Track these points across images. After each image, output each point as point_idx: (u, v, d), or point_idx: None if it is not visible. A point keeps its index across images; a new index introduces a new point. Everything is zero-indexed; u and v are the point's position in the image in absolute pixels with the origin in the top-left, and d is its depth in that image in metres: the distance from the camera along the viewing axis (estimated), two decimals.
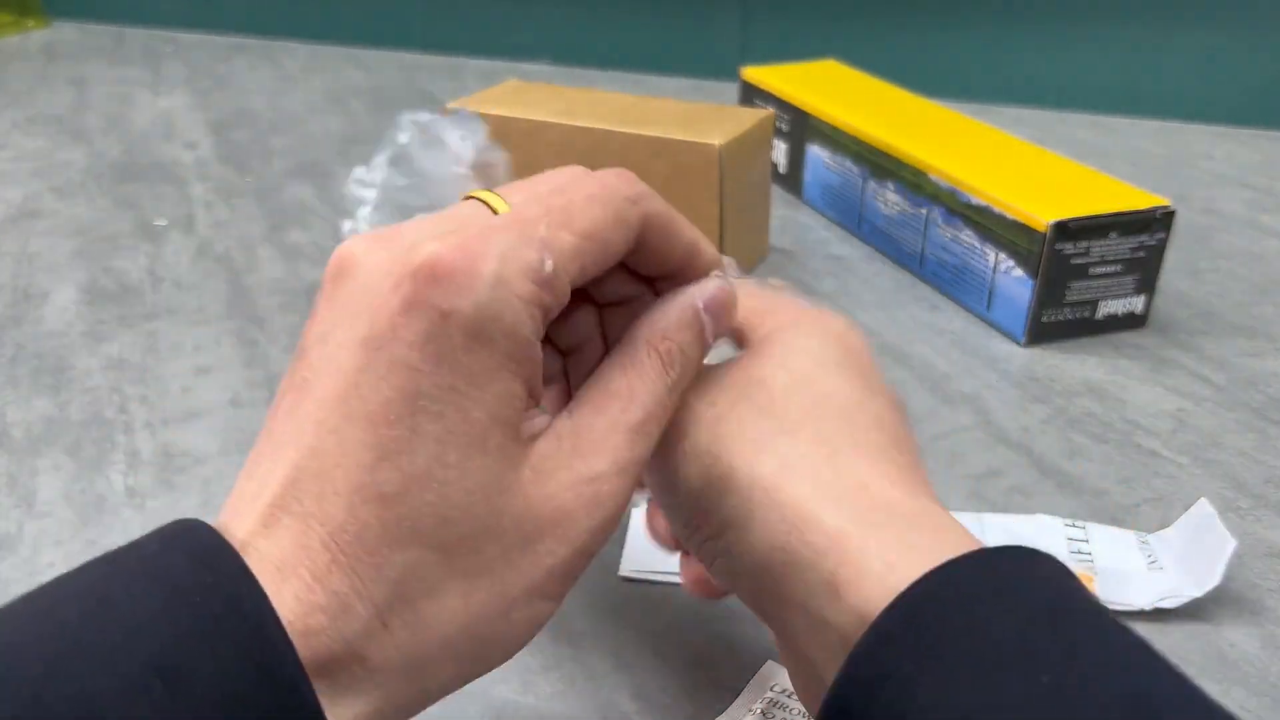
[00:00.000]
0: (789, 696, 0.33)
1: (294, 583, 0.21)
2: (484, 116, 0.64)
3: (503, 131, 0.63)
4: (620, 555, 0.41)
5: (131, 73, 1.12)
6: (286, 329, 0.58)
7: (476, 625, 0.23)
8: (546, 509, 0.23)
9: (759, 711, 0.33)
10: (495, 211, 0.25)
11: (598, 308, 0.29)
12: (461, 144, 0.47)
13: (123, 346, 0.56)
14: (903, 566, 0.22)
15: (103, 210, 0.75)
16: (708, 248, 0.28)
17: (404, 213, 0.46)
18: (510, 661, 0.35)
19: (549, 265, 0.23)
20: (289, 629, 0.20)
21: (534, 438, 0.24)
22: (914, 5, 1.05)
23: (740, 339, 0.30)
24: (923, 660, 0.20)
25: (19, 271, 0.65)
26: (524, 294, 0.23)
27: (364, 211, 0.46)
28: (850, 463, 0.25)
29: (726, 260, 0.29)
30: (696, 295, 0.27)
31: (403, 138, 0.47)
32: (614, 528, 0.25)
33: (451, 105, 0.65)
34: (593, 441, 0.24)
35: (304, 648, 0.20)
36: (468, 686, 0.34)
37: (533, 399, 0.24)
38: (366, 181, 0.47)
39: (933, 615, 0.21)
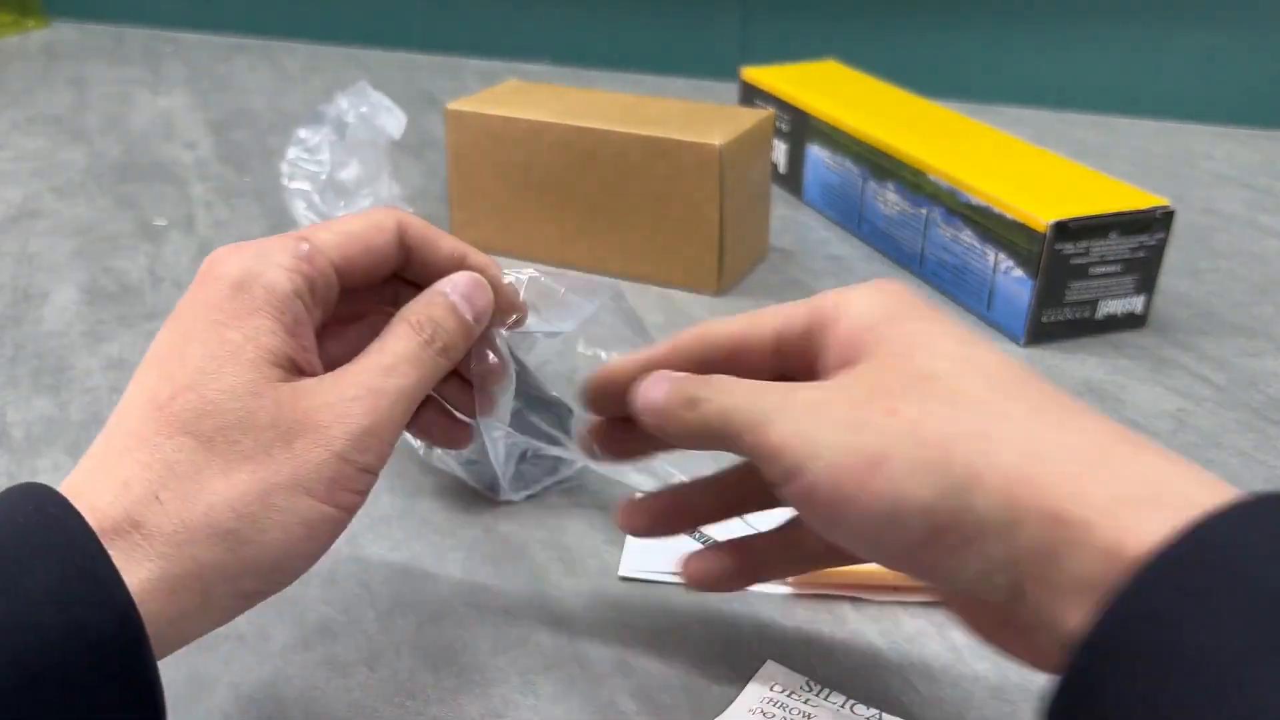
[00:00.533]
0: (789, 696, 0.33)
1: (96, 478, 0.26)
2: (485, 116, 0.64)
3: (503, 132, 0.63)
4: (620, 555, 0.41)
5: (131, 73, 1.12)
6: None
7: (238, 503, 0.27)
8: (301, 416, 0.28)
9: (759, 711, 0.33)
10: None
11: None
12: (388, 118, 0.55)
13: (123, 346, 0.56)
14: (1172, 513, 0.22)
15: (103, 210, 0.75)
16: (476, 256, 0.34)
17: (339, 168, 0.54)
18: (511, 661, 0.35)
19: (304, 247, 0.30)
20: (88, 512, 0.25)
21: (303, 376, 0.29)
22: (914, 5, 1.05)
23: (811, 364, 0.30)
24: (1188, 602, 0.20)
25: (19, 271, 0.65)
26: (283, 263, 0.29)
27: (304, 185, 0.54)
28: (1073, 425, 0.25)
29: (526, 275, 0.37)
30: (443, 281, 0.33)
31: (344, 109, 0.54)
32: (376, 445, 0.29)
33: (451, 107, 0.65)
34: (349, 377, 0.29)
35: (95, 520, 0.25)
36: (470, 685, 0.35)
37: (301, 348, 0.29)
38: (310, 145, 0.54)
39: (1197, 561, 0.21)
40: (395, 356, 0.30)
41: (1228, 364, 0.56)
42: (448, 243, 0.34)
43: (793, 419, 0.27)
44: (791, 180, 0.78)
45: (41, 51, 1.22)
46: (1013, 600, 0.24)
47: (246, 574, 0.27)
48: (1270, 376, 0.54)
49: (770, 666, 0.35)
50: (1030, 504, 0.23)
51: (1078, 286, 0.56)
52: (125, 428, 0.27)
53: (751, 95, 0.81)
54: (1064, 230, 0.54)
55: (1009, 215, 0.56)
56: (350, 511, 0.29)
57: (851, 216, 0.71)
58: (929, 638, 0.37)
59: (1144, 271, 0.57)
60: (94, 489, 0.26)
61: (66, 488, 0.26)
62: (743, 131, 0.60)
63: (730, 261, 0.62)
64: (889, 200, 0.66)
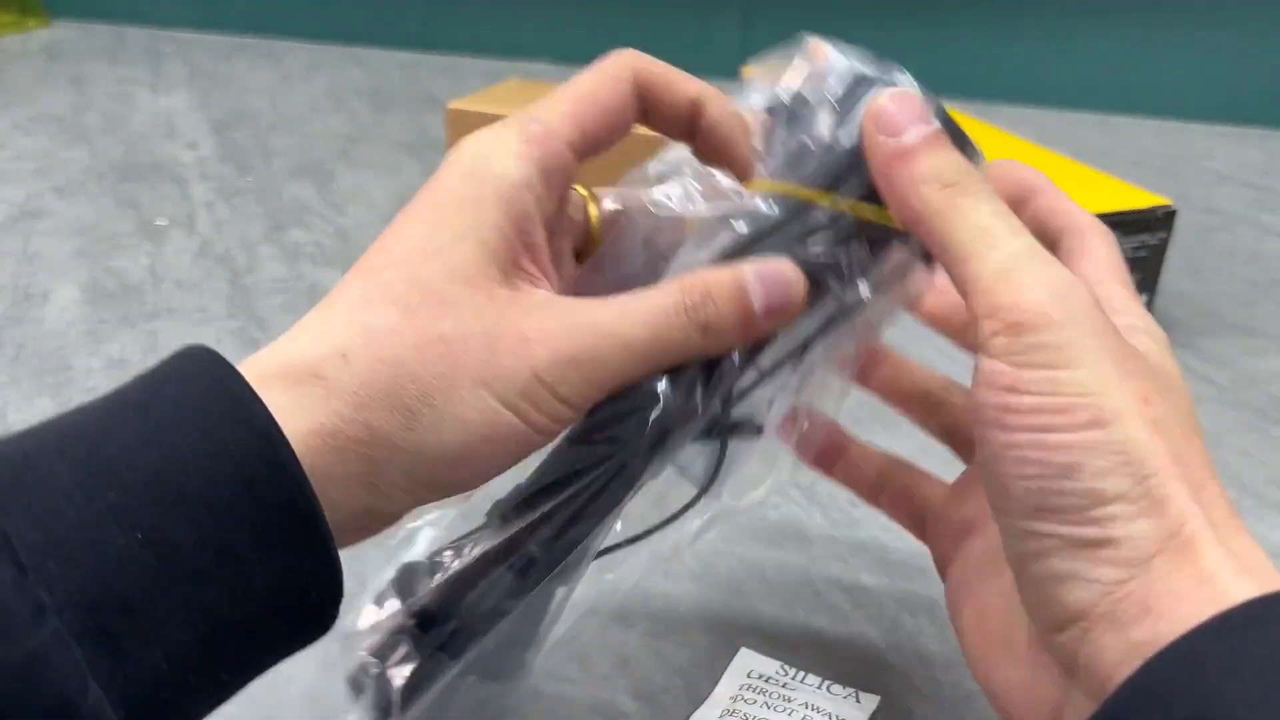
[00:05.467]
0: (765, 681, 0.34)
1: (296, 333, 0.27)
2: (486, 116, 0.64)
3: None
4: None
5: (132, 72, 1.12)
6: (288, 328, 0.58)
7: (423, 383, 0.25)
8: (510, 323, 0.27)
9: (739, 698, 0.33)
10: None
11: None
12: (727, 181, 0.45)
13: (124, 346, 0.56)
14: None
15: (104, 210, 0.75)
16: (718, 101, 0.31)
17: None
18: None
19: (533, 128, 0.29)
20: (276, 358, 0.26)
21: (528, 282, 0.28)
22: (914, 5, 1.05)
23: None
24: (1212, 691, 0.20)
25: (20, 271, 0.65)
26: (513, 149, 0.28)
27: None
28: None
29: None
30: (748, 263, 0.29)
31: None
32: (577, 379, 0.27)
33: (453, 106, 0.65)
34: (581, 304, 0.28)
35: (278, 363, 0.26)
36: (469, 679, 0.34)
37: (526, 246, 0.28)
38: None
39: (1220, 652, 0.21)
40: (641, 303, 0.27)
41: (1229, 363, 0.56)
42: (688, 86, 0.31)
43: None
44: None
45: (42, 51, 1.22)
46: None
47: (420, 460, 0.26)
48: (1272, 376, 0.54)
49: (744, 653, 0.35)
50: None
51: None
52: (335, 295, 0.28)
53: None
54: None
55: None
56: (540, 433, 0.27)
57: None
58: (929, 637, 0.37)
59: (1146, 271, 0.57)
60: (290, 341, 0.27)
61: (273, 345, 0.27)
62: None
63: None
64: None
